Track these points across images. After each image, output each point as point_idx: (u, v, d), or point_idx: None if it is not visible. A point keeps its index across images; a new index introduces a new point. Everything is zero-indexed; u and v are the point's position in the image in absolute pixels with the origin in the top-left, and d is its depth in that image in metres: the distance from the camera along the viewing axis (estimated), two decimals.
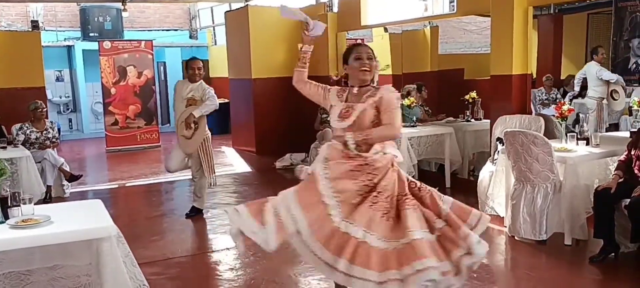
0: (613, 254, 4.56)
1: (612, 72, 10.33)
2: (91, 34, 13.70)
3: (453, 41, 13.77)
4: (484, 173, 6.10)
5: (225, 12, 11.81)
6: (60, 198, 7.23)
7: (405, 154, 6.85)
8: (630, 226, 4.36)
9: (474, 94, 7.88)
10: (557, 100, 8.96)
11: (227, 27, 11.50)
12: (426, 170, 7.84)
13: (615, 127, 8.83)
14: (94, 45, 12.53)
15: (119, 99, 12.05)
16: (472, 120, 7.79)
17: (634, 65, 10.01)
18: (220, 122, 13.87)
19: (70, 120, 14.69)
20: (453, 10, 7.36)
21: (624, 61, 10.20)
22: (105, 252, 3.11)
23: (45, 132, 7.49)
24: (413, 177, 7.19)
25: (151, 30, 15.02)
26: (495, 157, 5.94)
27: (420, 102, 7.94)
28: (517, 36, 6.36)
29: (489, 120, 7.08)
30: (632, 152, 4.59)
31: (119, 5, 12.72)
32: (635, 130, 5.04)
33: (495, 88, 6.68)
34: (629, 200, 4.37)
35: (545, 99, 9.44)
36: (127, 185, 8.62)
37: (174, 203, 7.83)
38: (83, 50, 13.76)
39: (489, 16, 7.09)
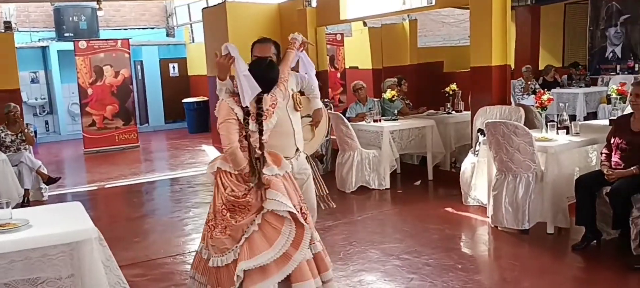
0: (595, 241, 4.61)
1: (590, 61, 10.50)
2: (66, 34, 13.49)
3: (432, 34, 13.81)
4: (466, 165, 6.12)
5: (202, 9, 11.70)
6: (39, 202, 7.08)
7: (388, 148, 6.86)
8: (612, 213, 4.41)
9: (454, 86, 7.90)
10: (536, 91, 9.04)
11: (204, 24, 11.38)
12: (409, 163, 7.85)
13: (593, 115, 8.95)
14: (69, 46, 12.33)
15: (96, 99, 11.87)
16: (453, 112, 7.82)
17: (611, 54, 10.16)
18: (200, 120, 13.78)
19: (46, 122, 14.45)
20: (432, 2, 7.35)
21: (601, 50, 10.34)
22: (86, 255, 3.05)
23: (20, 134, 7.33)
24: (395, 170, 7.26)
25: (127, 29, 14.83)
26: (476, 148, 5.96)
27: (400, 95, 7.94)
28: (496, 27, 6.37)
29: (469, 112, 7.10)
30: (612, 141, 4.63)
31: (93, 4, 12.51)
32: (615, 118, 5.09)
33: (475, 79, 6.70)
34: (609, 187, 4.41)
35: (524, 89, 9.51)
36: (106, 186, 8.49)
37: (155, 203, 7.75)
38: (58, 51, 13.53)
39: (467, 8, 7.10)
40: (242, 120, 3.32)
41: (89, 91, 11.79)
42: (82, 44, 11.74)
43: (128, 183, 8.63)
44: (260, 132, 3.33)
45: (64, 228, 3.12)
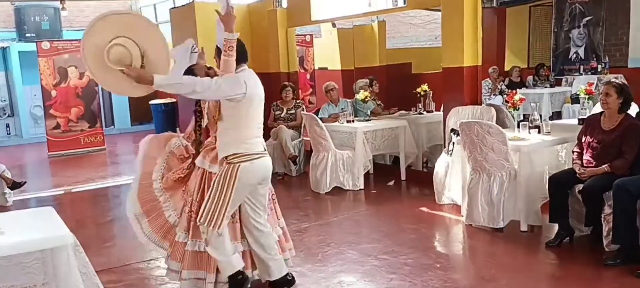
0: (568, 238, 4.70)
1: (554, 62, 10.74)
2: (28, 35, 13.11)
3: (400, 36, 13.93)
4: (440, 165, 6.17)
5: (170, 9, 11.52)
6: (3, 207, 6.87)
7: (361, 149, 6.87)
8: (584, 210, 4.51)
9: (425, 87, 7.98)
10: (503, 91, 9.20)
11: (172, 24, 11.21)
12: (381, 164, 7.89)
13: (558, 115, 9.15)
14: (31, 46, 11.98)
15: (60, 101, 11.58)
16: (425, 112, 7.89)
17: (574, 55, 10.40)
18: (168, 122, 13.56)
19: (7, 126, 14.03)
20: (401, 4, 7.39)
21: (565, 51, 10.58)
22: (62, 262, 2.96)
23: None
24: (369, 171, 7.29)
25: None
26: (450, 148, 6.01)
27: (372, 96, 7.98)
28: (467, 29, 6.46)
29: (441, 112, 7.18)
30: (583, 140, 4.73)
31: (56, 4, 12.23)
32: (585, 117, 5.20)
33: (447, 80, 6.77)
34: (582, 185, 4.50)
35: (492, 90, 9.66)
36: (73, 190, 8.28)
37: (123, 207, 7.57)
38: (19, 52, 13.15)
39: (438, 10, 7.17)
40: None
41: (53, 93, 11.49)
42: (46, 44, 11.43)
43: (95, 187, 8.43)
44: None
45: (39, 235, 3.02)
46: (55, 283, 2.99)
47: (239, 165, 3.59)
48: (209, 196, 3.65)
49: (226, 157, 3.65)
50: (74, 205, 7.71)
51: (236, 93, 3.54)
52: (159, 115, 13.89)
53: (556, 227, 4.75)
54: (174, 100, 13.00)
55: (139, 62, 3.50)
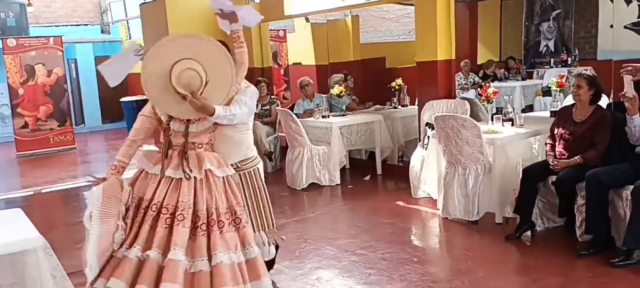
0: (529, 231, 4.75)
1: (525, 55, 10.87)
2: None
3: (373, 30, 13.92)
4: (415, 158, 6.19)
5: (140, 5, 11.32)
6: None
7: (337, 144, 6.85)
8: (558, 202, 4.56)
9: (400, 81, 7.99)
10: (476, 84, 9.28)
11: (143, 20, 11.03)
12: (357, 159, 7.88)
13: (530, 108, 9.26)
14: None
15: (28, 99, 11.32)
16: (399, 106, 7.90)
17: (545, 48, 10.54)
18: None
19: None
20: None
21: (535, 44, 10.71)
22: (31, 266, 2.87)
23: None
24: (344, 166, 7.27)
25: (59, 26, 14.20)
26: (425, 142, 6.03)
27: (347, 91, 7.96)
28: (440, 23, 6.49)
29: (415, 106, 7.19)
30: (555, 132, 4.78)
31: None
32: (557, 109, 5.26)
33: (421, 74, 6.79)
34: (555, 177, 4.55)
35: (464, 84, 9.74)
36: (43, 191, 8.09)
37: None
38: None
39: (411, 4, 7.19)
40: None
41: (20, 91, 11.22)
42: (11, 41, 11.15)
43: (66, 187, 8.25)
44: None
45: (7, 238, 2.93)
46: (22, 285, 2.91)
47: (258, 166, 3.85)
48: (249, 205, 3.71)
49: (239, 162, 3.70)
50: (44, 206, 7.53)
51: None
52: (130, 112, 13.66)
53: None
54: (145, 97, 12.80)
55: (202, 89, 3.21)
